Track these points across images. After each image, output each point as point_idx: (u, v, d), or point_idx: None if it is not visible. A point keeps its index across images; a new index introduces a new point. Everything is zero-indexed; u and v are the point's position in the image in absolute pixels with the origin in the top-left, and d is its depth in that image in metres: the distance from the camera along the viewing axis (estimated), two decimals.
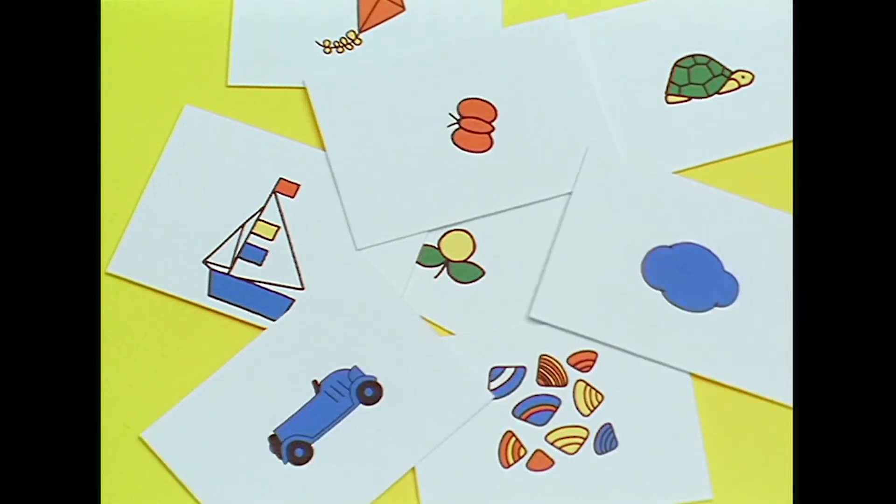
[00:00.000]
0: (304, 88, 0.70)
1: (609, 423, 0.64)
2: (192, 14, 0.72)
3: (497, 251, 0.67)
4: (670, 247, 0.67)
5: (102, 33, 0.70)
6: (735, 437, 0.64)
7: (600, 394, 0.65)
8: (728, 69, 0.70)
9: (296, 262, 0.67)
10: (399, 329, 0.65)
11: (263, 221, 0.67)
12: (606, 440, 0.64)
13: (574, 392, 0.65)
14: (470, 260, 0.67)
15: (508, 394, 0.65)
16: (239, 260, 0.67)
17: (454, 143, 0.68)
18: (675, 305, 0.66)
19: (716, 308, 0.66)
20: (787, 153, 0.68)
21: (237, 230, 0.67)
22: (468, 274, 0.67)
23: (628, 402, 0.64)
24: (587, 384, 0.65)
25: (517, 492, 0.63)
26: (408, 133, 0.69)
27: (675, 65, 0.70)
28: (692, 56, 0.70)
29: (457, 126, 0.69)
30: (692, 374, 0.65)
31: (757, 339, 0.65)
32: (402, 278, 0.66)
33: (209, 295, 0.66)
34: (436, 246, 0.67)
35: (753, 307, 0.65)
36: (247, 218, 0.68)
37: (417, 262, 0.67)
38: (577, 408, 0.65)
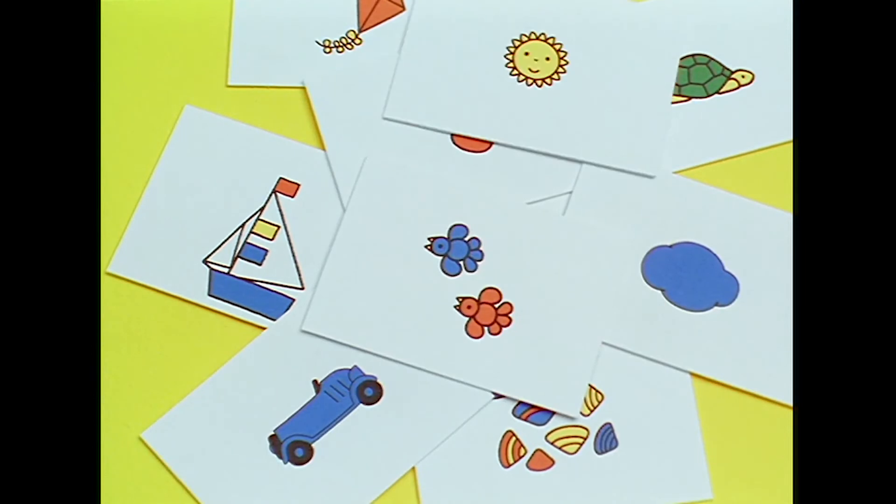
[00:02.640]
0: (304, 88, 0.70)
1: (609, 423, 0.64)
2: (192, 14, 0.72)
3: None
4: (670, 247, 0.67)
5: (102, 33, 0.70)
6: (735, 437, 0.64)
7: (600, 393, 0.65)
8: (728, 69, 0.70)
9: (296, 262, 0.67)
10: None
11: (263, 221, 0.67)
12: (606, 440, 0.64)
13: None
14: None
15: None
16: (239, 259, 0.67)
17: (454, 143, 0.68)
18: (675, 305, 0.65)
19: (716, 308, 0.66)
20: (787, 153, 0.68)
21: (237, 230, 0.67)
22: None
23: (628, 402, 0.64)
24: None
25: (517, 492, 0.63)
26: (407, 132, 0.69)
27: None
28: (692, 56, 0.70)
29: None
30: (692, 374, 0.65)
31: (757, 338, 0.65)
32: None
33: (209, 295, 0.66)
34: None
35: (754, 307, 0.65)
36: (247, 218, 0.68)
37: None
38: None
